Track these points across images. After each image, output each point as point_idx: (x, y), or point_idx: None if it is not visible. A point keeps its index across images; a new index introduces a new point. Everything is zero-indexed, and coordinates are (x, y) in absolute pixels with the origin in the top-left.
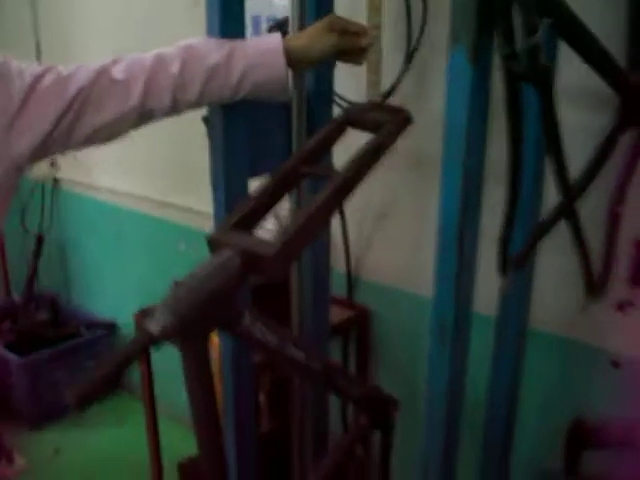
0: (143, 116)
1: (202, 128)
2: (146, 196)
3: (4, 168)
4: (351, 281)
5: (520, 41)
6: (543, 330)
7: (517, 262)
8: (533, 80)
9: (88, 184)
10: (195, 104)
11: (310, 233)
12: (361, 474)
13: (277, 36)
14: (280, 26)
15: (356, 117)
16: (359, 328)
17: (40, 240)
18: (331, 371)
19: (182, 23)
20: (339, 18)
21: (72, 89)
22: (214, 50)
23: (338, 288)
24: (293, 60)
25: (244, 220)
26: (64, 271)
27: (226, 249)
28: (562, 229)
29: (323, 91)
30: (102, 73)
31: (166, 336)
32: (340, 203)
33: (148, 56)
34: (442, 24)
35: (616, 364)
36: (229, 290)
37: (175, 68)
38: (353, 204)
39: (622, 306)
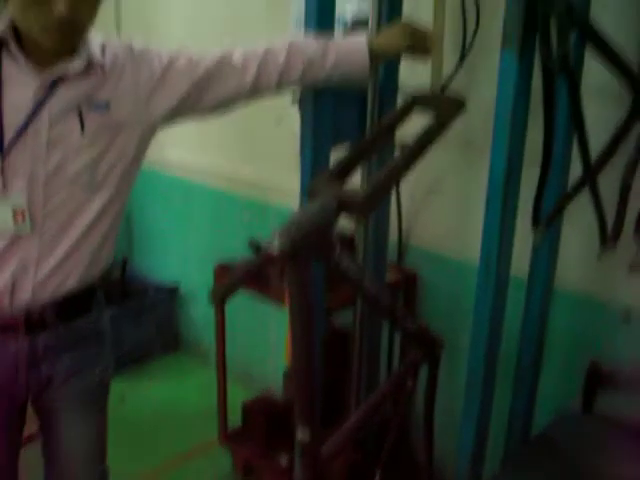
0: (254, 92)
1: (270, 108)
2: (213, 170)
3: (145, 126)
4: (402, 247)
5: (555, 46)
6: (565, 289)
7: (548, 220)
8: (564, 75)
9: (157, 159)
10: (296, 84)
11: (387, 188)
12: (409, 403)
13: (362, 36)
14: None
15: (421, 102)
16: (407, 289)
17: None
18: (395, 305)
19: (258, 18)
20: (410, 23)
21: (200, 69)
22: (312, 46)
23: (390, 254)
24: (373, 56)
25: (334, 176)
26: (130, 239)
27: (324, 195)
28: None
29: (391, 81)
30: (224, 58)
31: (282, 255)
32: (409, 168)
33: (260, 47)
34: (489, 30)
35: (627, 316)
36: (326, 226)
37: (281, 58)
38: (406, 180)
39: (633, 267)
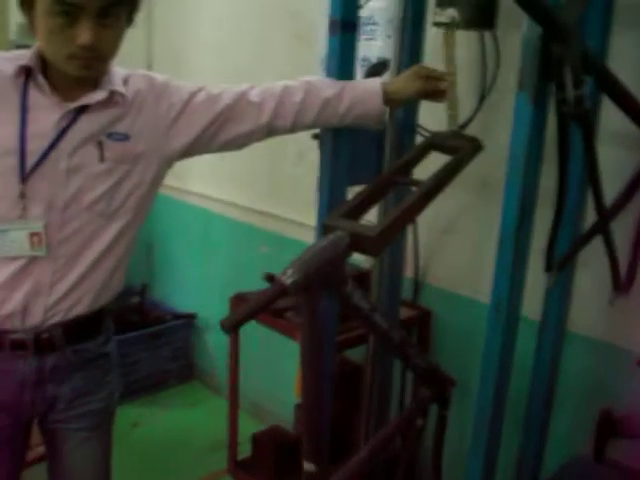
0: (269, 132)
1: (289, 145)
2: (233, 202)
3: (162, 159)
4: (417, 285)
5: (570, 90)
6: (578, 332)
7: (560, 264)
8: (578, 120)
9: (180, 189)
10: (310, 127)
11: (401, 224)
12: (419, 442)
13: (377, 80)
14: (375, 67)
15: (438, 142)
16: (421, 326)
17: None
18: (405, 342)
19: (283, 55)
20: (424, 67)
21: (219, 106)
22: (328, 87)
23: (405, 291)
24: (388, 100)
25: (350, 212)
26: (150, 267)
27: (338, 230)
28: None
29: (410, 123)
30: (242, 95)
31: (294, 287)
32: (424, 206)
33: (278, 85)
34: (508, 72)
35: None
36: (339, 260)
37: (298, 97)
38: (422, 219)
39: None
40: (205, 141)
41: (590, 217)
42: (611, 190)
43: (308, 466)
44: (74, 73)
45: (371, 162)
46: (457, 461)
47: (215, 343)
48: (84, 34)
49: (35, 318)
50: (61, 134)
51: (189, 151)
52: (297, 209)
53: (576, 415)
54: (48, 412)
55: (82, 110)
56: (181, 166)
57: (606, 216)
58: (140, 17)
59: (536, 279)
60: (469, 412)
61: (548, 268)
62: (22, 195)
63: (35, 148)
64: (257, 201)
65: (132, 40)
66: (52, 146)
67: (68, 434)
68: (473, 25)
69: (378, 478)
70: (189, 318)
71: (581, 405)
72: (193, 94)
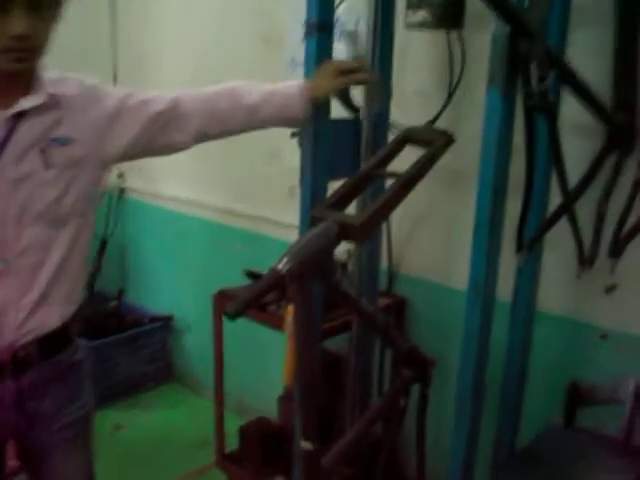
0: (200, 138)
1: (261, 145)
2: (206, 203)
3: (102, 162)
4: (391, 274)
5: (535, 84)
6: (545, 311)
7: (530, 244)
8: (544, 112)
9: (151, 193)
10: (237, 132)
11: (384, 213)
12: (401, 421)
13: (297, 83)
14: None
15: (413, 136)
16: (396, 314)
17: (104, 244)
18: (389, 325)
19: (251, 58)
20: (334, 63)
21: (151, 112)
22: (253, 93)
23: (380, 281)
24: (313, 98)
25: (335, 203)
26: (124, 271)
27: (326, 221)
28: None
29: (383, 119)
30: (173, 103)
31: (289, 274)
32: (404, 195)
33: (205, 93)
34: (474, 68)
35: (605, 337)
36: (328, 249)
37: (224, 105)
38: (394, 211)
39: (608, 290)
40: (140, 147)
41: (555, 201)
42: (574, 175)
43: (305, 445)
44: (7, 67)
45: (348, 157)
46: (436, 441)
47: (193, 343)
48: (17, 24)
49: (7, 338)
50: (3, 145)
51: (125, 156)
52: (271, 207)
53: (547, 388)
54: (29, 430)
55: (20, 117)
56: (151, 170)
57: (570, 198)
58: (104, 20)
59: (505, 263)
60: (444, 394)
61: (519, 249)
62: None
63: None
64: (230, 201)
65: (96, 44)
66: None
67: (51, 449)
68: (442, 25)
69: (362, 460)
70: (166, 320)
71: (552, 379)
72: (124, 99)
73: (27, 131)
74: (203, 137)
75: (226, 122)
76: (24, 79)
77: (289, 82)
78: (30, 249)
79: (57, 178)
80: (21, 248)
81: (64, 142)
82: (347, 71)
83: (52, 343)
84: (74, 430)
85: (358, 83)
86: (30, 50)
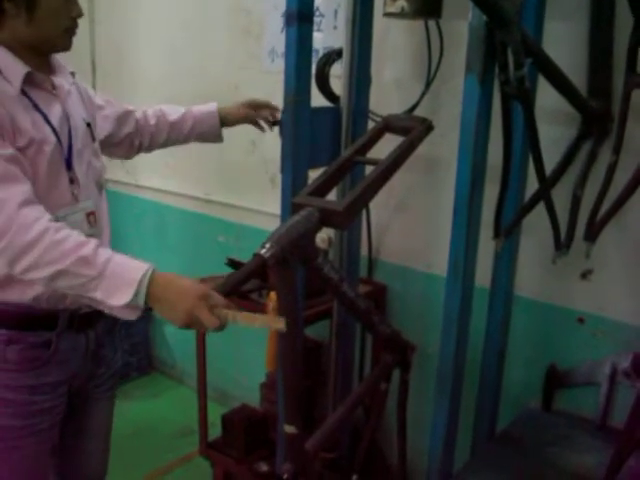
0: (135, 147)
1: (241, 135)
2: (187, 194)
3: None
4: (371, 262)
5: (512, 72)
6: (523, 295)
7: (507, 230)
8: (520, 98)
9: (132, 184)
10: (163, 146)
11: (365, 199)
12: (383, 405)
13: (213, 105)
14: (330, 55)
15: (392, 124)
16: (377, 301)
17: None
18: (370, 310)
19: (230, 49)
20: (252, 99)
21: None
22: (175, 113)
23: (360, 268)
24: (222, 121)
25: (316, 190)
26: None
27: (308, 207)
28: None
29: (362, 108)
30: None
31: (272, 258)
32: (384, 182)
33: (141, 111)
34: (450, 61)
35: (581, 320)
36: (310, 234)
37: (152, 122)
38: (375, 199)
39: (585, 275)
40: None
41: (532, 187)
42: (550, 162)
43: (289, 428)
44: (66, 45)
45: (328, 146)
46: (416, 425)
47: (174, 333)
48: (77, 6)
49: None
50: (67, 119)
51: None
52: (252, 197)
53: (526, 371)
54: (91, 377)
55: (68, 95)
56: (132, 161)
57: (547, 184)
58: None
59: (483, 249)
60: (424, 379)
61: (497, 235)
62: (71, 181)
63: (63, 137)
64: (211, 191)
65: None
66: (69, 132)
67: (99, 395)
68: (421, 14)
69: (344, 446)
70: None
71: (530, 362)
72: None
73: (72, 107)
74: (140, 145)
75: (154, 135)
76: (49, 60)
77: (207, 104)
78: (100, 212)
79: (98, 147)
80: (99, 212)
81: (89, 117)
82: (258, 106)
83: None
84: (115, 379)
85: (263, 119)
86: (76, 30)
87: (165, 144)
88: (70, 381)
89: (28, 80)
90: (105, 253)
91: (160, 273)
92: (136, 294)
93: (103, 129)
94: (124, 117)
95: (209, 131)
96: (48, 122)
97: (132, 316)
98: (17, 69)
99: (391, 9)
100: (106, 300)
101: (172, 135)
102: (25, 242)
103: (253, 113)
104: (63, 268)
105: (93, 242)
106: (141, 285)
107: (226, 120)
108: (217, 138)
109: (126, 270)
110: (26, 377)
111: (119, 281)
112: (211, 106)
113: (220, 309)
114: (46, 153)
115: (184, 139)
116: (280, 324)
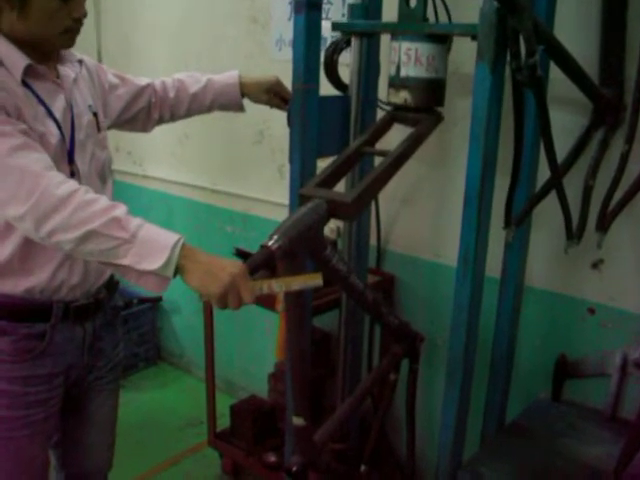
0: (154, 120)
1: (249, 125)
2: (194, 184)
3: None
4: (380, 252)
5: (524, 60)
6: (534, 286)
7: (518, 220)
8: (531, 86)
9: (139, 174)
10: (184, 117)
11: (374, 191)
12: (391, 396)
13: (234, 75)
14: (340, 43)
15: (401, 115)
16: (385, 291)
17: None
18: (379, 301)
19: (238, 38)
20: (278, 84)
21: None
22: (195, 83)
23: (369, 258)
24: (243, 94)
25: (324, 181)
26: None
27: (315, 199)
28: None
29: (371, 98)
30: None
31: (280, 251)
32: (393, 173)
33: (157, 84)
34: (456, 51)
35: (592, 311)
36: (318, 226)
37: (172, 94)
38: (383, 190)
39: (595, 265)
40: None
41: (543, 176)
42: (561, 151)
43: (298, 420)
44: (65, 45)
45: (337, 135)
46: (425, 416)
47: (182, 324)
48: (81, 6)
49: (91, 284)
50: (70, 109)
51: (115, 125)
52: (259, 187)
53: (536, 362)
54: (91, 370)
55: (73, 85)
56: (138, 152)
57: (558, 174)
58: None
59: (494, 239)
60: (433, 369)
61: (507, 224)
62: (72, 174)
63: (66, 130)
64: (219, 181)
65: (82, 31)
66: (72, 124)
67: (100, 387)
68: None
69: (353, 436)
70: (154, 302)
71: (540, 353)
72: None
73: (78, 97)
74: (160, 118)
75: (175, 107)
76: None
77: (228, 73)
78: None
79: (103, 137)
80: None
81: (94, 107)
82: (278, 93)
83: (110, 287)
84: (117, 372)
85: (278, 107)
86: (80, 28)
87: (187, 115)
88: (66, 373)
89: (30, 72)
90: (136, 218)
91: (189, 245)
92: (168, 260)
93: (114, 109)
94: (137, 94)
95: (230, 103)
96: (51, 115)
97: (158, 288)
98: (18, 60)
99: (394, 99)
100: (135, 265)
101: (193, 106)
102: (54, 200)
103: (276, 102)
104: (93, 229)
105: (123, 206)
106: (174, 252)
107: (247, 94)
108: (239, 109)
109: (160, 235)
110: (20, 368)
111: (152, 246)
112: (232, 77)
113: (254, 281)
114: (49, 146)
115: (206, 110)
116: (318, 279)
